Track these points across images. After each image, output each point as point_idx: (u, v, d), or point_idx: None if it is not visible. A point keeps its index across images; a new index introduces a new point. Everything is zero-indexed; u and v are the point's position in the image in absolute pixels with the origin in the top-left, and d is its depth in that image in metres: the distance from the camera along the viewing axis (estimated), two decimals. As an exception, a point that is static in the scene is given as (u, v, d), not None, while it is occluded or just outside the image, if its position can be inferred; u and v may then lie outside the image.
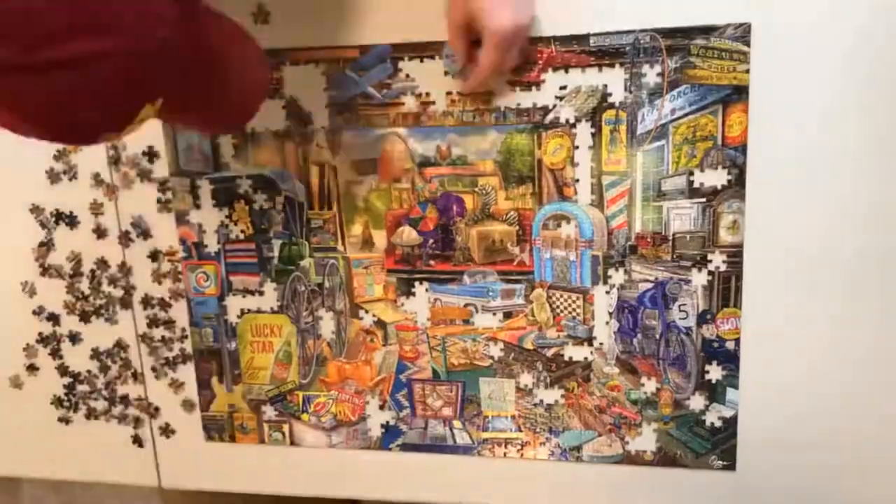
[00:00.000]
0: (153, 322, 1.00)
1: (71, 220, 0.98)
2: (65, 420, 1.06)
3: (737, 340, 0.85)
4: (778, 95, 0.78)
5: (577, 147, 0.84)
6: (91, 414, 1.05)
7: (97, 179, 0.96)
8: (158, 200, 0.95)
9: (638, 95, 0.81)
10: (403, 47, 0.84)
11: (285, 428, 1.00)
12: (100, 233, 0.98)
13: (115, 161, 0.95)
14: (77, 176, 0.97)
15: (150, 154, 0.94)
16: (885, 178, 0.78)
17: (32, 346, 1.04)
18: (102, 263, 0.99)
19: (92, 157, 0.96)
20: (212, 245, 0.95)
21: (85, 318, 1.02)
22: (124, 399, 1.04)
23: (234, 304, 0.97)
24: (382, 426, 0.97)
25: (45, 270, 1.01)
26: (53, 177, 0.97)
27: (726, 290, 0.84)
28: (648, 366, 0.88)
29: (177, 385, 1.02)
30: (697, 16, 0.78)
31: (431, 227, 0.90)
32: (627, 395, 0.89)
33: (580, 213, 0.86)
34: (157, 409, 1.03)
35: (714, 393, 0.87)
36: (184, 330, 0.99)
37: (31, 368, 1.05)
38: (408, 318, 0.93)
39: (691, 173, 0.81)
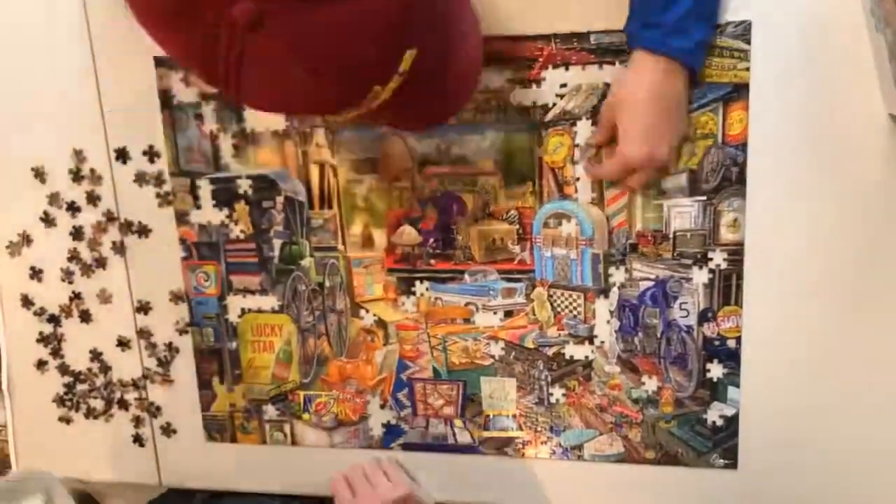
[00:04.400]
0: (152, 322, 1.00)
1: (70, 218, 0.98)
2: (65, 419, 1.06)
3: (738, 338, 0.85)
4: (778, 93, 0.78)
5: (578, 145, 0.84)
6: (91, 413, 1.05)
7: (96, 178, 0.96)
8: (157, 195, 0.96)
9: (638, 93, 0.81)
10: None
11: (286, 428, 1.00)
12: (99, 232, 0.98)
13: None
14: (75, 177, 0.97)
15: (151, 154, 0.94)
16: (886, 176, 0.78)
17: (35, 346, 1.04)
18: (102, 263, 0.99)
19: (92, 158, 0.96)
20: (212, 245, 0.95)
21: (85, 317, 1.02)
22: (124, 399, 1.04)
23: (235, 303, 0.97)
24: (383, 425, 0.97)
25: (42, 271, 1.01)
26: (52, 175, 0.97)
27: (727, 288, 0.84)
28: (649, 364, 0.88)
29: (177, 384, 1.01)
30: (697, 13, 0.77)
31: (432, 226, 0.90)
32: (628, 394, 0.89)
33: (580, 212, 0.86)
34: (158, 408, 1.03)
35: (715, 391, 0.87)
36: (186, 322, 0.99)
37: (36, 365, 1.05)
38: (408, 318, 0.93)
39: (692, 171, 0.81)
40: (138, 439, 1.05)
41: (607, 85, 0.81)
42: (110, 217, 0.97)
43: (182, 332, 0.99)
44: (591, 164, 0.83)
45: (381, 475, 0.90)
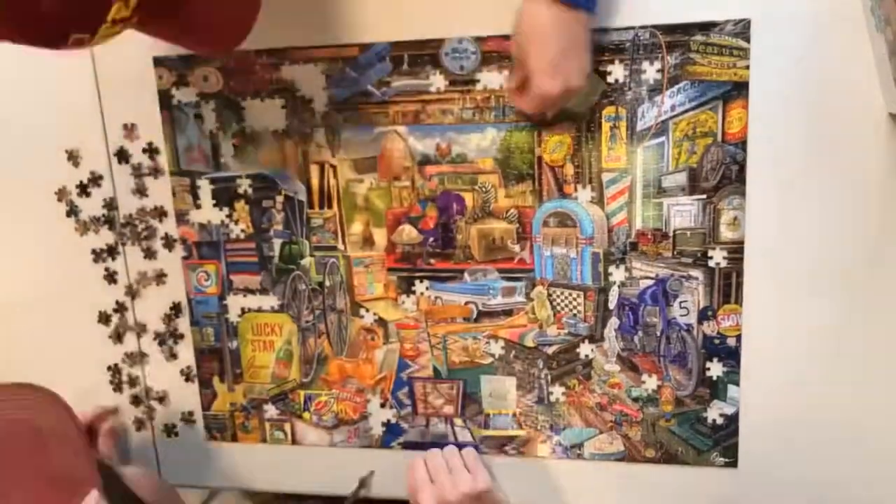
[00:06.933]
0: (152, 320, 1.01)
1: (69, 218, 0.99)
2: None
3: (738, 337, 0.85)
4: (778, 91, 0.78)
5: (577, 144, 0.84)
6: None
7: (96, 179, 0.97)
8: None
9: (638, 92, 0.81)
10: (403, 45, 0.84)
11: (287, 427, 1.00)
12: (95, 229, 0.99)
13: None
14: (76, 168, 0.97)
15: (151, 150, 0.94)
16: (886, 176, 0.78)
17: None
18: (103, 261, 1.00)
19: (93, 157, 0.96)
20: (212, 244, 0.95)
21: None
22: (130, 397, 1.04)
23: (235, 303, 0.97)
24: (384, 424, 0.97)
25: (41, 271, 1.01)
26: (51, 175, 0.97)
27: (727, 286, 0.84)
28: (649, 363, 0.88)
29: (179, 382, 1.02)
30: (697, 12, 0.77)
31: (432, 225, 0.90)
32: (628, 393, 0.89)
33: (580, 211, 0.86)
34: (161, 398, 1.03)
35: (715, 390, 0.87)
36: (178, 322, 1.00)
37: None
38: (408, 317, 0.93)
39: (692, 169, 0.81)
40: (139, 439, 1.05)
41: (608, 83, 0.81)
42: (110, 218, 0.97)
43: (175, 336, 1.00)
44: (518, 101, 0.81)
45: (461, 465, 0.89)
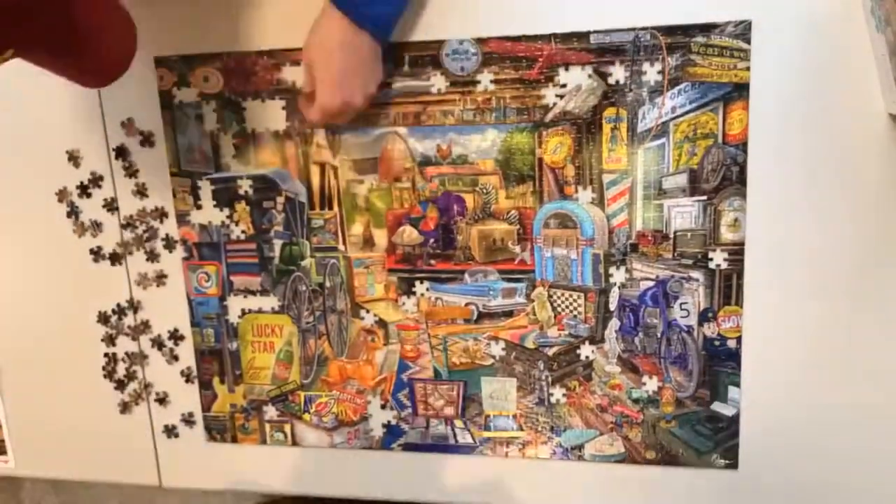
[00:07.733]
0: (151, 322, 1.00)
1: (69, 218, 0.99)
2: (66, 419, 1.06)
3: (738, 338, 0.85)
4: (778, 93, 0.78)
5: (578, 145, 0.84)
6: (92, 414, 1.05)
7: (96, 180, 0.97)
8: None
9: (638, 93, 0.81)
10: (403, 46, 0.84)
11: (287, 428, 1.00)
12: (95, 231, 0.99)
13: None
14: (76, 168, 0.97)
15: (147, 140, 0.94)
16: (886, 176, 0.78)
17: (33, 344, 1.04)
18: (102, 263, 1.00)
19: (94, 157, 0.96)
20: (213, 245, 0.95)
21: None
22: (130, 398, 1.04)
23: (236, 304, 0.97)
24: (384, 426, 0.97)
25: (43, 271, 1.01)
26: (52, 175, 0.97)
27: (727, 287, 0.84)
28: (650, 364, 0.88)
29: (179, 383, 1.02)
30: (698, 13, 0.78)
31: (432, 226, 0.90)
32: (629, 394, 0.89)
33: (581, 212, 0.86)
34: (162, 399, 1.03)
35: (716, 391, 0.86)
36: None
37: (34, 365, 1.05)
38: (409, 318, 0.93)
39: (692, 171, 0.81)
40: (139, 439, 1.05)
41: (609, 85, 0.81)
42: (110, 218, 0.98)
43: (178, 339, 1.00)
44: (304, 108, 0.85)
45: None
